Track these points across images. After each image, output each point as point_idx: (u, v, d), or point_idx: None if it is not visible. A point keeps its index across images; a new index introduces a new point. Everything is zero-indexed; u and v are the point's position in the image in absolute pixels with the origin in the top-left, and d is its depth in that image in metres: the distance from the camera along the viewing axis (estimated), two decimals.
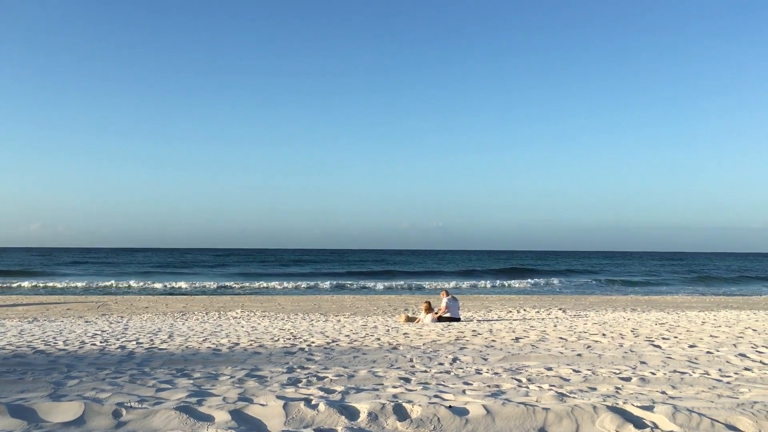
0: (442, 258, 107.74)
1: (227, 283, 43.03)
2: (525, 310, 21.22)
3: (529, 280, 48.83)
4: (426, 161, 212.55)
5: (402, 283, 44.59)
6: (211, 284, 42.10)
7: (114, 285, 41.10)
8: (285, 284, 42.91)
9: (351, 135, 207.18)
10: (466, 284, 44.48)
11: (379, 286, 42.40)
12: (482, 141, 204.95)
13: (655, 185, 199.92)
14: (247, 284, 43.05)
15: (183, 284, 41.46)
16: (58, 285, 40.57)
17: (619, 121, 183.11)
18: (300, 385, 6.42)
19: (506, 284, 45.03)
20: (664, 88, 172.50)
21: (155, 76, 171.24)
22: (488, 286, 43.83)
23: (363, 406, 4.93)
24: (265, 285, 42.62)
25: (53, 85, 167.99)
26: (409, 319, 15.64)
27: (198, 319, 17.44)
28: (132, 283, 42.44)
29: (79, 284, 41.44)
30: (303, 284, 43.00)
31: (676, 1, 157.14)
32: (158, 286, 40.56)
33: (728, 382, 6.39)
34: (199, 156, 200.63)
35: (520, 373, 7.14)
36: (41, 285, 40.17)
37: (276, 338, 11.43)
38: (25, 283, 41.01)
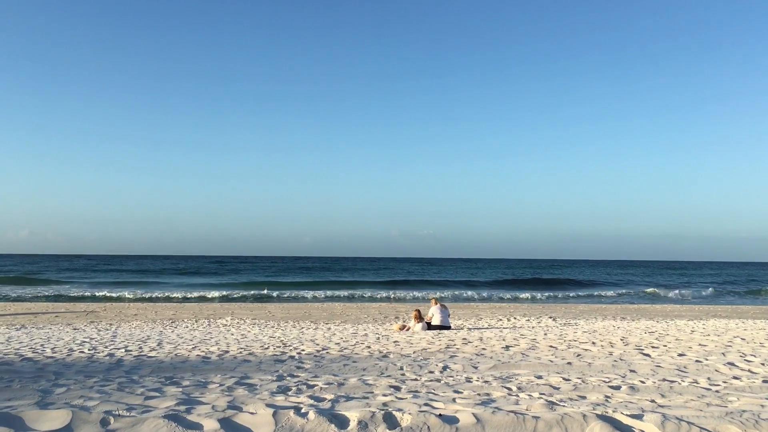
0: (434, 266, 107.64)
1: (217, 291, 42.83)
2: (515, 318, 21.26)
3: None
4: (415, 169, 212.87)
5: (393, 291, 44.59)
6: (201, 292, 41.90)
7: (103, 292, 40.83)
8: (275, 292, 42.79)
9: (341, 143, 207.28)
10: (467, 293, 44.50)
11: (369, 293, 42.37)
12: (472, 149, 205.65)
13: (643, 194, 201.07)
14: (236, 290, 42.89)
15: (173, 291, 41.24)
16: (47, 292, 40.27)
17: (611, 131, 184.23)
18: (290, 393, 6.40)
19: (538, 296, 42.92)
20: (658, 98, 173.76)
21: (147, 82, 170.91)
22: (507, 296, 43.52)
23: (353, 414, 4.92)
24: (255, 292, 42.47)
25: (42, 91, 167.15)
26: (403, 328, 15.63)
27: (187, 327, 17.36)
28: (121, 290, 42.20)
29: (68, 291, 41.14)
30: (293, 292, 42.88)
31: (678, 9, 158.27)
32: (148, 293, 40.33)
33: (717, 391, 6.42)
34: (189, 163, 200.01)
35: (510, 381, 7.15)
36: (29, 293, 39.85)
37: (266, 346, 11.39)
38: (13, 290, 40.70)
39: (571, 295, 44.00)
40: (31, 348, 11.12)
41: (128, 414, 5.04)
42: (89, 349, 10.90)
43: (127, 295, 38.69)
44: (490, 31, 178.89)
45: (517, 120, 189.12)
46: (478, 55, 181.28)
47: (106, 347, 11.30)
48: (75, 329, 16.46)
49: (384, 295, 41.83)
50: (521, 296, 41.65)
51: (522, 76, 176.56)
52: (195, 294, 40.23)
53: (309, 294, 41.60)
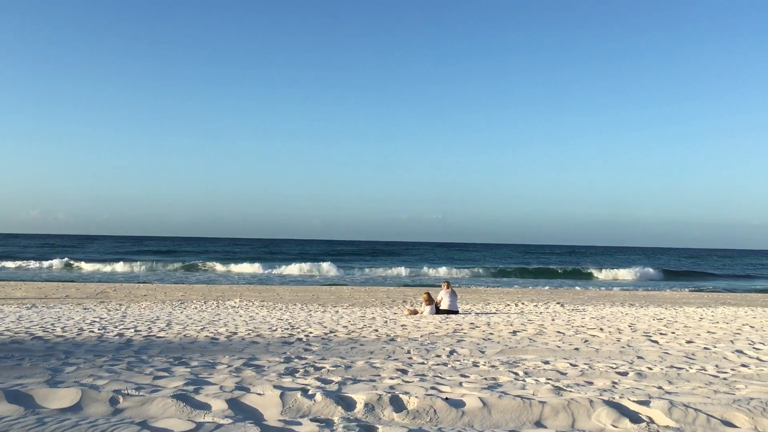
0: (442, 250, 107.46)
1: (226, 272, 43.12)
2: (523, 303, 21.26)
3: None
4: (426, 155, 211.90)
5: (401, 274, 44.75)
6: (210, 273, 42.20)
7: (112, 272, 41.16)
8: (283, 273, 43.02)
9: (351, 127, 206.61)
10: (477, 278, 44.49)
11: (377, 277, 42.52)
12: (479, 137, 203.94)
13: (653, 181, 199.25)
14: (245, 272, 43.15)
15: (182, 272, 41.52)
16: (57, 272, 40.63)
17: (621, 119, 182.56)
18: (297, 375, 6.43)
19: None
20: (665, 87, 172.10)
21: (155, 69, 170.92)
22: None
23: (360, 396, 4.94)
24: (263, 274, 42.71)
25: (52, 75, 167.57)
26: (414, 312, 15.63)
27: (196, 308, 17.47)
28: (131, 270, 42.53)
29: (78, 271, 41.48)
30: (301, 274, 43.11)
31: (676, 1, 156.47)
32: (157, 274, 40.61)
33: (725, 378, 6.41)
34: (198, 146, 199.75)
35: (517, 366, 7.16)
36: (40, 272, 40.25)
37: (274, 328, 11.45)
38: (24, 270, 41.14)
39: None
40: (42, 327, 11.22)
41: (137, 393, 5.08)
42: (99, 329, 10.99)
43: (137, 275, 38.98)
44: (498, 16, 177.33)
45: (527, 109, 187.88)
46: (483, 45, 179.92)
47: (115, 327, 11.39)
48: (85, 309, 16.60)
49: (392, 278, 41.95)
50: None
51: (541, 63, 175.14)
52: (205, 274, 40.49)
53: (317, 276, 41.86)
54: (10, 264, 45.64)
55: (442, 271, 47.65)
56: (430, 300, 15.68)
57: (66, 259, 50.08)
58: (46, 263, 47.04)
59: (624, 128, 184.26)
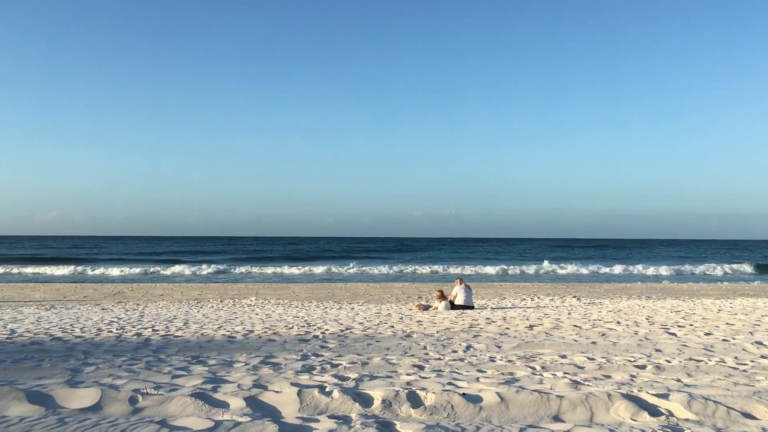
0: (457, 245, 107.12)
1: (241, 271, 43.30)
2: (539, 297, 21.17)
3: None
4: (437, 151, 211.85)
5: (416, 271, 44.71)
6: (226, 272, 42.41)
7: (129, 272, 41.49)
8: (299, 272, 43.16)
9: (361, 124, 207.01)
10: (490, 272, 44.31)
11: (393, 273, 42.52)
12: (487, 132, 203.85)
13: (669, 173, 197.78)
14: (261, 271, 43.31)
15: (198, 272, 41.76)
16: (75, 273, 41.02)
17: (636, 113, 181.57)
18: (314, 372, 6.45)
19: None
20: (671, 80, 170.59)
21: (165, 68, 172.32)
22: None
23: (377, 393, 4.94)
24: (279, 272, 42.86)
25: (67, 77, 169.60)
26: (424, 307, 15.65)
27: (213, 307, 17.56)
28: (147, 270, 42.85)
29: (95, 272, 41.85)
30: (317, 272, 43.21)
31: None
32: (173, 273, 40.89)
33: (744, 370, 6.35)
34: (212, 146, 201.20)
35: (534, 360, 7.13)
36: (58, 273, 40.69)
37: (290, 326, 11.49)
38: (43, 270, 41.60)
39: None
40: (61, 328, 11.34)
41: (156, 392, 5.12)
42: (117, 329, 11.08)
43: (154, 275, 39.26)
44: (509, 9, 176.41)
45: (535, 103, 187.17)
46: (486, 41, 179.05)
47: (133, 327, 11.48)
48: (103, 309, 16.75)
49: (406, 275, 41.94)
50: None
51: (552, 56, 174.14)
52: (220, 274, 40.72)
53: (332, 273, 41.96)
54: (28, 266, 46.09)
55: (462, 267, 47.47)
56: (443, 296, 15.69)
57: (83, 260, 50.46)
58: (63, 265, 47.44)
59: (628, 124, 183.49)
